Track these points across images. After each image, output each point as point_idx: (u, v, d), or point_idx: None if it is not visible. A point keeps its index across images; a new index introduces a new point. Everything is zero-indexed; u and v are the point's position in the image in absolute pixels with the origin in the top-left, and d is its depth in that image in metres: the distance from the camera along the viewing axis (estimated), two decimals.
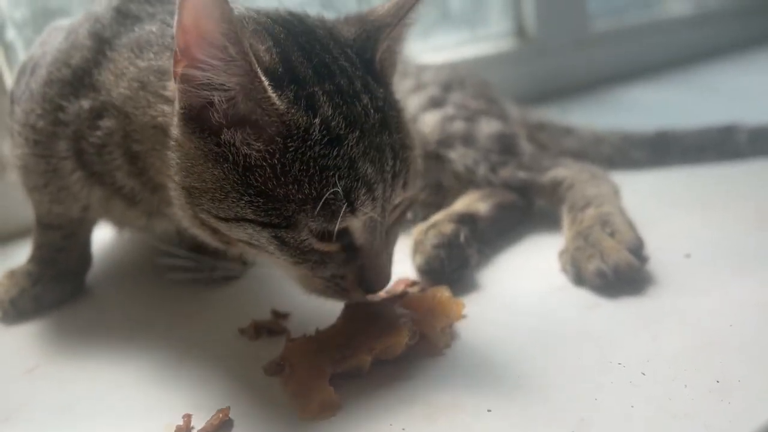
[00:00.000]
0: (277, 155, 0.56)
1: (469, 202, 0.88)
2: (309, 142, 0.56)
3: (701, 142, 1.09)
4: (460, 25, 1.63)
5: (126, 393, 0.65)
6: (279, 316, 0.75)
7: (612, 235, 0.77)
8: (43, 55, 0.77)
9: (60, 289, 0.84)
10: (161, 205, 0.72)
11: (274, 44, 0.59)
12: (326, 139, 0.57)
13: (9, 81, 1.03)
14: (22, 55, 1.11)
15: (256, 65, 0.54)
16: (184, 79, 0.56)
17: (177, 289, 0.84)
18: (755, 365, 0.59)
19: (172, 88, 0.59)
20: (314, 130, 0.56)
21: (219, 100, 0.56)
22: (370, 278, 0.63)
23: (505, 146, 0.94)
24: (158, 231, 0.82)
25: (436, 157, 0.93)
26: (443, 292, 0.70)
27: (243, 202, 0.57)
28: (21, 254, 0.89)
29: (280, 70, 0.57)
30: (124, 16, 0.71)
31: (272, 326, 0.73)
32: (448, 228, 0.80)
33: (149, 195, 0.72)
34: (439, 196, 0.95)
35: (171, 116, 0.61)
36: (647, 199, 0.96)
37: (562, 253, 0.81)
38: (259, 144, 0.56)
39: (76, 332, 0.78)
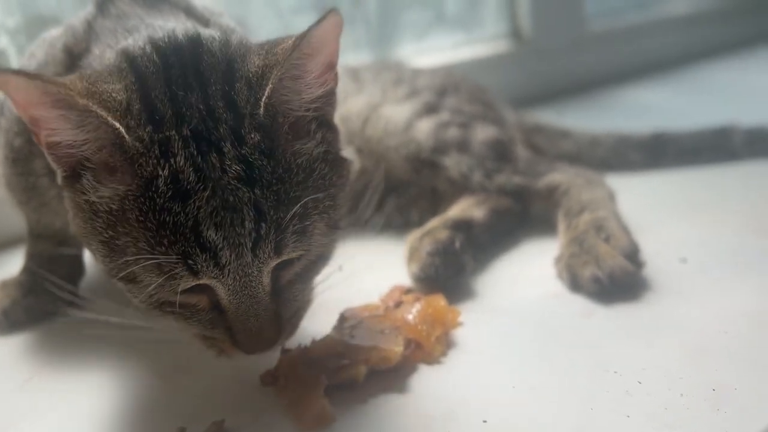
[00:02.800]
0: (117, 203, 0.53)
1: (464, 208, 0.88)
2: (151, 193, 0.52)
3: (697, 144, 1.09)
4: (455, 26, 1.63)
5: (120, 404, 0.65)
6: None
7: (607, 240, 0.77)
8: (28, 67, 0.76)
9: (52, 300, 0.83)
10: None
11: (136, 80, 0.55)
12: (170, 193, 0.52)
13: None
14: (14, 63, 1.10)
15: (105, 113, 0.51)
16: (49, 147, 0.54)
17: None
18: (751, 373, 0.59)
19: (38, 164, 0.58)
20: (160, 182, 0.52)
21: (83, 154, 0.54)
22: (241, 341, 0.57)
23: (500, 152, 0.94)
24: None
25: (431, 164, 0.93)
26: (438, 301, 0.70)
27: (94, 249, 0.56)
28: (14, 264, 0.89)
29: (136, 107, 0.53)
30: (93, 31, 0.69)
31: None
32: (443, 235, 0.80)
33: None
34: (434, 202, 0.95)
35: None
36: (643, 202, 0.96)
37: (557, 260, 0.80)
38: (103, 190, 0.54)
39: (70, 343, 0.77)
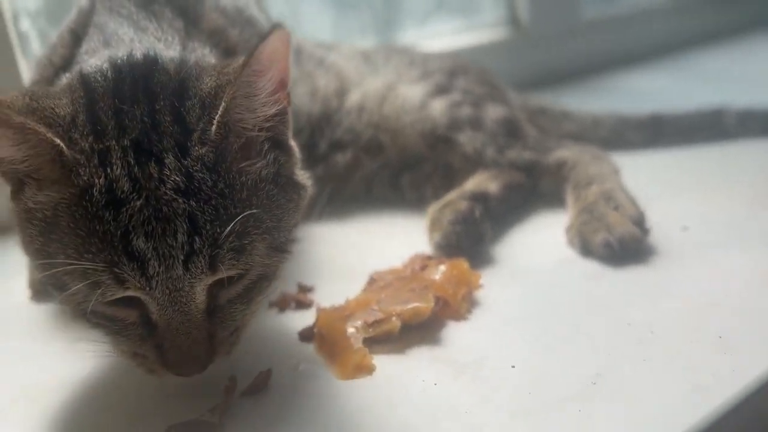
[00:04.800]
0: (50, 209, 0.54)
1: (479, 181, 0.92)
2: (84, 202, 0.52)
3: (692, 124, 1.14)
4: (455, 13, 1.67)
5: None
6: (304, 289, 0.79)
7: (616, 209, 0.82)
8: (46, 51, 0.79)
9: None
10: None
11: (85, 95, 0.56)
12: (103, 201, 0.52)
13: (24, 72, 1.05)
14: (35, 46, 1.13)
15: (44, 129, 0.52)
16: None
17: None
18: (754, 321, 0.65)
19: None
20: (94, 191, 0.52)
21: (23, 168, 0.54)
22: (170, 359, 0.56)
23: (511, 129, 0.99)
24: None
25: (445, 140, 0.97)
26: (462, 264, 0.75)
27: (30, 256, 0.57)
28: None
29: (81, 119, 0.54)
30: (95, 13, 0.71)
31: (299, 299, 0.77)
32: (463, 205, 0.85)
33: None
34: (447, 177, 0.99)
35: None
36: (643, 179, 1.00)
37: (568, 228, 0.86)
38: (38, 197, 0.54)
39: None
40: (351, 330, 0.66)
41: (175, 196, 0.52)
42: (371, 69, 1.08)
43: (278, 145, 0.60)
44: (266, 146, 0.59)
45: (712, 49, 1.87)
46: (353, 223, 0.97)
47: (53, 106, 0.55)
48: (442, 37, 1.59)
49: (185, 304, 0.54)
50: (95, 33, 0.71)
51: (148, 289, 0.52)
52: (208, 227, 0.52)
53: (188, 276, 0.53)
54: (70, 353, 0.67)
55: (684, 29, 1.90)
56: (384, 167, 1.02)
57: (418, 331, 0.68)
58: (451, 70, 1.08)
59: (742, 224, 0.86)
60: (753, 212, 0.89)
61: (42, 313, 0.81)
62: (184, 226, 0.52)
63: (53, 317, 0.80)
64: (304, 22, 1.45)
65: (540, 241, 0.87)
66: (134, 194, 0.52)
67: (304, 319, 0.72)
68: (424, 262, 0.79)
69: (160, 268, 0.52)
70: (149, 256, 0.51)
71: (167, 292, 0.53)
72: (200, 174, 0.53)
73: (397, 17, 1.59)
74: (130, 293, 0.53)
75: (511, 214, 0.94)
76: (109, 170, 0.52)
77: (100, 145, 0.53)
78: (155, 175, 0.52)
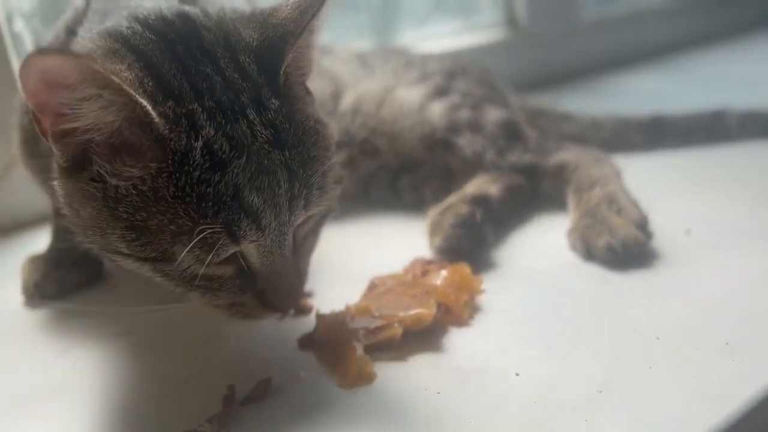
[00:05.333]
0: (149, 182, 0.53)
1: (479, 184, 0.91)
2: (187, 167, 0.52)
3: (694, 126, 1.13)
4: (453, 14, 1.66)
5: (164, 371, 0.67)
6: (303, 294, 0.78)
7: (619, 212, 0.81)
8: None
9: (81, 273, 0.85)
10: None
11: (137, 59, 0.55)
12: (207, 164, 0.52)
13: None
14: (29, 46, 1.12)
15: (131, 90, 0.50)
16: (58, 135, 0.53)
17: None
18: (759, 327, 0.64)
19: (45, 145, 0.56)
20: (195, 154, 0.52)
21: (99, 138, 0.53)
22: (273, 301, 0.60)
23: (511, 132, 0.98)
24: None
25: (444, 144, 0.96)
26: (463, 268, 0.74)
27: (115, 236, 0.55)
28: (40, 242, 0.91)
29: (150, 85, 0.53)
30: (90, 8, 0.68)
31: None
32: (464, 209, 0.83)
33: None
34: (446, 181, 0.98)
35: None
36: (645, 180, 1.00)
37: (570, 232, 0.84)
38: (130, 172, 0.53)
39: (100, 316, 0.78)
40: (351, 337, 0.65)
41: (269, 149, 0.55)
42: (368, 71, 1.07)
43: (307, 87, 0.64)
44: (304, 90, 0.63)
45: (714, 49, 1.86)
46: (352, 227, 0.95)
47: (119, 70, 0.53)
48: (440, 38, 1.58)
49: (285, 246, 0.57)
50: (95, 16, 0.67)
51: (261, 239, 0.55)
52: (301, 172, 0.56)
53: (291, 218, 0.57)
54: (63, 360, 0.66)
55: (685, 29, 1.89)
56: (381, 169, 1.01)
57: (419, 337, 0.66)
58: (450, 72, 1.07)
59: (745, 226, 0.85)
60: (756, 214, 0.88)
61: (36, 319, 0.80)
62: (285, 174, 0.55)
63: (46, 324, 0.79)
64: None
65: (542, 245, 0.86)
66: (234, 152, 0.53)
67: (303, 325, 0.71)
68: (425, 267, 0.78)
69: (271, 217, 0.55)
70: (262, 208, 0.54)
71: (275, 238, 0.56)
72: (283, 125, 0.56)
73: (396, 18, 1.58)
74: (243, 247, 0.55)
75: (512, 217, 0.92)
76: (203, 132, 0.53)
77: (183, 109, 0.53)
78: (248, 131, 0.54)
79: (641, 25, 1.82)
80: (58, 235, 0.87)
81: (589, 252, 0.80)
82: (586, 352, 0.63)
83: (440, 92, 1.02)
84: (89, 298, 0.84)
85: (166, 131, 0.52)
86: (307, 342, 0.68)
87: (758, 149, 1.10)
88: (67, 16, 0.74)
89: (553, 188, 0.95)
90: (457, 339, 0.67)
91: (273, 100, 0.57)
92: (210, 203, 0.52)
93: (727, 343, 0.62)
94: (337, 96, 1.01)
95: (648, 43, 1.82)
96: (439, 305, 0.68)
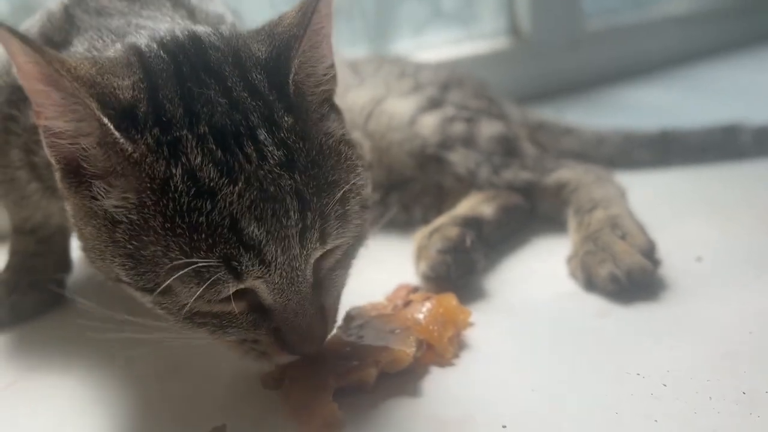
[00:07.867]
0: (135, 211, 0.50)
1: (473, 204, 0.85)
2: (171, 195, 0.48)
3: (705, 142, 1.07)
4: (452, 22, 1.61)
5: (112, 410, 0.61)
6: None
7: (623, 238, 0.75)
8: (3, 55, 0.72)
9: (38, 298, 0.79)
10: None
11: (144, 78, 0.52)
12: (193, 191, 0.48)
13: None
14: None
15: (97, 109, 0.48)
16: (47, 131, 0.51)
17: None
18: None
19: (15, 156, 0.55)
20: (176, 182, 0.48)
21: (86, 148, 0.50)
22: (291, 341, 0.54)
23: (507, 148, 0.92)
24: None
25: (436, 160, 0.90)
26: (450, 300, 0.67)
27: (115, 263, 0.52)
28: None
29: (142, 109, 0.50)
30: (74, 22, 0.65)
31: None
32: (453, 232, 0.77)
33: None
34: (438, 199, 0.92)
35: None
36: (652, 201, 0.94)
37: (570, 258, 0.78)
38: (117, 197, 0.50)
39: (56, 344, 0.73)
40: (321, 379, 0.58)
41: (280, 172, 0.50)
42: (358, 81, 1.01)
43: (333, 104, 0.59)
44: (326, 106, 0.57)
45: (725, 61, 1.80)
46: None
47: (116, 87, 0.50)
48: (438, 47, 1.54)
49: (300, 283, 0.52)
50: (94, 34, 0.64)
51: (267, 275, 0.50)
52: (315, 200, 0.51)
53: (304, 253, 0.51)
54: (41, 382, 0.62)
55: (695, 39, 1.85)
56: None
57: (396, 379, 0.60)
58: (445, 83, 1.01)
59: (763, 252, 0.79)
60: None
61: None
62: (295, 203, 0.50)
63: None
64: None
65: (538, 272, 0.80)
66: (224, 179, 0.49)
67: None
68: (408, 297, 0.71)
69: (277, 251, 0.50)
70: (265, 241, 0.49)
71: (285, 274, 0.51)
72: (296, 144, 0.51)
73: (391, 26, 1.52)
74: (248, 284, 0.50)
75: (506, 240, 0.86)
76: (184, 159, 0.49)
77: (169, 136, 0.49)
78: (253, 155, 0.50)
79: (649, 35, 1.78)
80: (15, 255, 0.81)
81: (590, 281, 0.73)
82: (582, 401, 0.57)
83: (433, 104, 0.96)
84: (48, 324, 0.78)
85: (141, 158, 0.49)
86: (271, 381, 0.61)
87: None
88: (41, 23, 0.68)
89: (552, 209, 0.89)
90: (438, 381, 0.60)
91: (286, 117, 0.52)
92: (203, 235, 0.48)
93: (744, 393, 0.55)
94: None
95: (656, 53, 1.77)
96: (421, 342, 0.62)
